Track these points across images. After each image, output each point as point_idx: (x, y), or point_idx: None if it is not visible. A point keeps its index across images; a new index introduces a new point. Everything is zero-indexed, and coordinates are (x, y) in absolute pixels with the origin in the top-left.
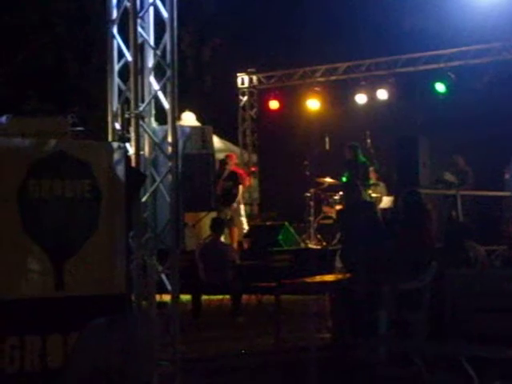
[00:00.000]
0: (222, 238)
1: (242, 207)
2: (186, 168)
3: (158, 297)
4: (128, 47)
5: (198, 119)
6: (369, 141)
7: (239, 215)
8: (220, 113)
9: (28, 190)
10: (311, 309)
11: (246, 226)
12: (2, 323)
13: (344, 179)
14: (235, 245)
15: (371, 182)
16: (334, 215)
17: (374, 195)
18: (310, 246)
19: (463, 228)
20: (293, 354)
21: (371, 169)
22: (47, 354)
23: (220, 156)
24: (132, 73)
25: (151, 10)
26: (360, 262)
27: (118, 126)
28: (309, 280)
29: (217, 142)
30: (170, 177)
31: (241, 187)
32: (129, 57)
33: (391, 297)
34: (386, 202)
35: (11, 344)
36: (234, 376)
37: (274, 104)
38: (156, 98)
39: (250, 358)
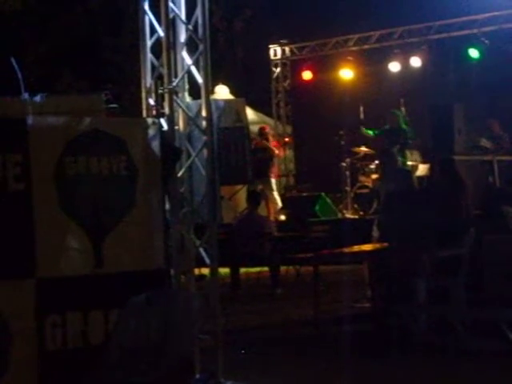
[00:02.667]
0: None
1: (273, 181)
2: (221, 142)
3: (196, 271)
4: (160, 23)
5: (232, 92)
6: (403, 109)
7: (271, 189)
8: (253, 85)
9: (64, 167)
10: (349, 278)
11: (278, 201)
12: (42, 301)
13: (370, 132)
14: (272, 217)
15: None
16: (370, 184)
17: (410, 163)
18: (347, 215)
19: (501, 194)
20: (332, 325)
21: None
22: (89, 330)
23: (254, 128)
24: (164, 48)
25: None
26: (397, 231)
27: (151, 101)
28: (346, 250)
29: (251, 114)
30: (205, 151)
31: (273, 161)
32: (161, 32)
33: (429, 264)
34: (422, 169)
35: (52, 322)
36: (273, 348)
37: (307, 75)
38: (189, 72)
39: (289, 330)
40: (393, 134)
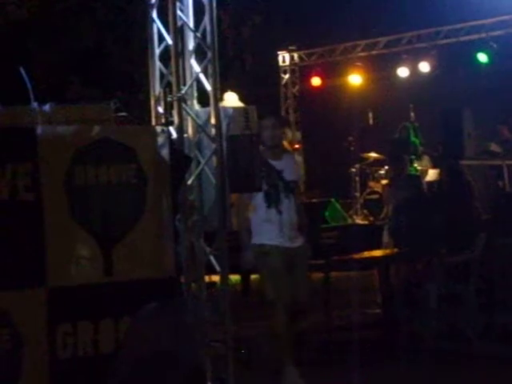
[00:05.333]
0: None
1: None
2: (230, 149)
3: (207, 278)
4: (168, 31)
5: (241, 99)
6: (412, 114)
7: None
8: (262, 91)
9: (74, 177)
10: (360, 285)
11: None
12: (53, 310)
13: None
14: None
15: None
16: (380, 190)
17: (419, 168)
18: (357, 221)
19: (510, 198)
20: (343, 331)
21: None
22: (99, 339)
23: None
24: (173, 56)
25: None
26: (408, 236)
27: (160, 109)
28: (357, 256)
29: None
30: (214, 159)
31: None
32: (169, 40)
33: (440, 270)
34: (432, 174)
35: (64, 330)
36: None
37: (315, 81)
38: (198, 80)
39: (300, 337)
40: (401, 145)
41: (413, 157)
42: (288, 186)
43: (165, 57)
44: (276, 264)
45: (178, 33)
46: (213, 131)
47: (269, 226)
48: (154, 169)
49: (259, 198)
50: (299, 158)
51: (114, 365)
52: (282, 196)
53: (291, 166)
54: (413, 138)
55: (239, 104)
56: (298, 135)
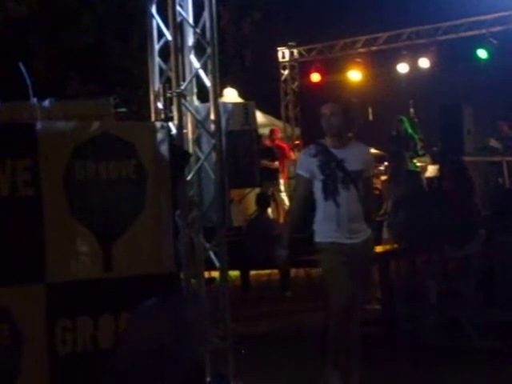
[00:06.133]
0: (269, 212)
1: (282, 182)
2: (229, 145)
3: (206, 274)
4: (167, 26)
5: (240, 95)
6: (412, 110)
7: (279, 191)
8: (262, 87)
9: (73, 172)
10: None
11: (286, 202)
12: (53, 306)
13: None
14: (282, 219)
15: (420, 152)
16: (379, 186)
17: (419, 164)
18: None
19: (510, 194)
20: None
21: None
22: (99, 335)
23: (263, 131)
24: (172, 52)
25: None
26: (408, 232)
27: (160, 105)
28: None
29: (260, 116)
30: (213, 154)
31: (277, 163)
32: (168, 36)
33: (440, 266)
34: (432, 170)
35: (63, 326)
36: (284, 351)
37: (315, 77)
38: (197, 76)
39: (300, 333)
40: (401, 142)
41: (418, 151)
42: (348, 177)
43: (164, 53)
44: (331, 263)
45: (178, 28)
46: (212, 127)
47: (326, 222)
48: (154, 164)
49: (318, 189)
50: (299, 155)
51: (113, 360)
52: (339, 187)
53: (356, 155)
54: (410, 131)
55: (239, 100)
56: (298, 131)
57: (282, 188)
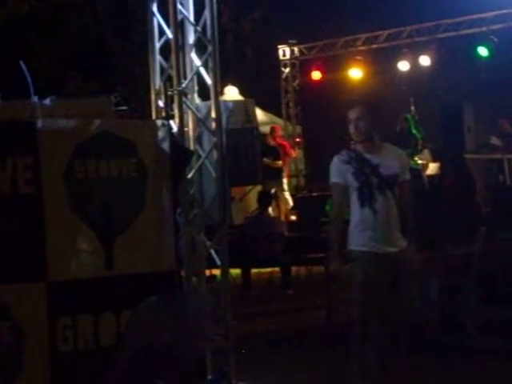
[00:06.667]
0: (270, 211)
1: (285, 181)
2: (230, 143)
3: (207, 271)
4: (168, 24)
5: (241, 93)
6: (413, 108)
7: (282, 190)
8: (263, 85)
9: (74, 170)
10: None
11: (290, 201)
12: (54, 304)
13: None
14: (283, 217)
15: (419, 147)
16: None
17: (420, 162)
18: None
19: (511, 192)
20: (344, 325)
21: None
22: (100, 332)
23: (264, 129)
24: (173, 50)
25: None
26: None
27: (161, 103)
28: None
29: (260, 114)
30: (215, 152)
31: (280, 162)
32: (169, 34)
33: (441, 263)
34: (432, 168)
35: (64, 324)
36: (285, 348)
37: (316, 75)
38: (198, 74)
39: (301, 331)
40: (403, 139)
41: (419, 149)
42: (384, 182)
43: (165, 51)
44: (365, 274)
45: (179, 27)
46: (213, 125)
47: (361, 229)
48: (155, 163)
49: (353, 196)
50: (300, 153)
51: (115, 356)
52: (376, 193)
53: (391, 159)
54: (414, 130)
55: (239, 98)
56: (299, 129)
57: (286, 187)
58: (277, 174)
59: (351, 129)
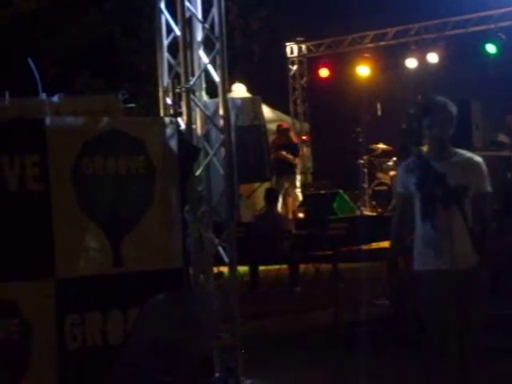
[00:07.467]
0: (278, 208)
1: (298, 178)
2: (238, 140)
3: (215, 269)
4: (176, 22)
5: (249, 90)
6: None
7: (294, 186)
8: (270, 83)
9: (82, 168)
10: (368, 276)
11: (300, 198)
12: (62, 301)
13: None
14: (290, 215)
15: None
16: (388, 181)
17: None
18: (365, 212)
19: None
20: (352, 323)
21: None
22: (108, 330)
23: (271, 126)
24: (181, 47)
25: None
26: None
27: (169, 100)
28: (365, 247)
29: (268, 112)
30: (222, 149)
31: (297, 159)
32: (177, 31)
33: None
34: None
35: (72, 321)
36: (292, 346)
37: (323, 72)
38: (206, 71)
39: (309, 328)
40: (409, 136)
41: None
42: (450, 194)
43: (173, 48)
44: (431, 295)
45: (187, 24)
46: (221, 122)
47: (424, 246)
48: (163, 160)
49: (417, 207)
50: (307, 150)
51: (123, 354)
52: (438, 208)
53: (462, 167)
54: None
55: (247, 95)
56: (306, 126)
57: (298, 184)
58: (291, 170)
59: (425, 131)
